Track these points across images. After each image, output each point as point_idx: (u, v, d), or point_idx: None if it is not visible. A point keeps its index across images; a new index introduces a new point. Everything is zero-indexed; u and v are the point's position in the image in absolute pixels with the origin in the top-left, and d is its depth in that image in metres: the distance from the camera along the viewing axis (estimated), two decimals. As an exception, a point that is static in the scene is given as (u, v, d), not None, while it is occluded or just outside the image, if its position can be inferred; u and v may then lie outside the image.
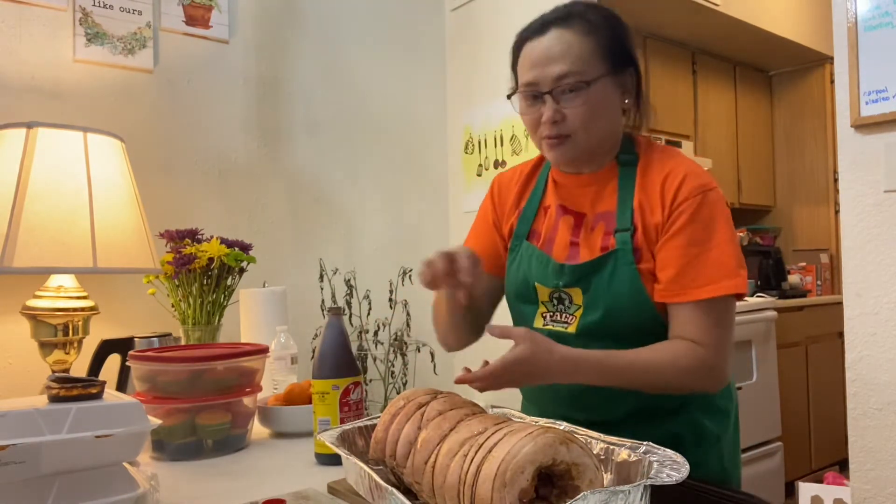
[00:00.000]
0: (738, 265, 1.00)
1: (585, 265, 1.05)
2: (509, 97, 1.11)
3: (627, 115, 1.11)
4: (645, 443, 0.84)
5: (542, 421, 0.90)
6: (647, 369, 0.98)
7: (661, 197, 1.03)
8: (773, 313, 3.15)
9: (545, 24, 1.05)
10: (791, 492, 3.09)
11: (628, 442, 0.86)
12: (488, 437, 0.73)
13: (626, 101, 1.08)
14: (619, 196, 1.07)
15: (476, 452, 0.72)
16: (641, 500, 0.70)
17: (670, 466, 0.75)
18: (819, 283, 3.97)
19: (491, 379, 0.92)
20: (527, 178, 1.22)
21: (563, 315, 1.09)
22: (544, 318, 1.12)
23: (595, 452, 0.87)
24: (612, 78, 1.04)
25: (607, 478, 0.87)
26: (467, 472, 0.71)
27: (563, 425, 0.94)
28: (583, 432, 0.92)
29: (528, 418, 0.93)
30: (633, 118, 1.12)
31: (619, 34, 1.06)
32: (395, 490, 0.71)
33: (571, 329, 1.07)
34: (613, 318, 1.03)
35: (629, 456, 0.84)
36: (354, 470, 0.86)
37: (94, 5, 1.89)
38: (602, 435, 0.91)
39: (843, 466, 3.34)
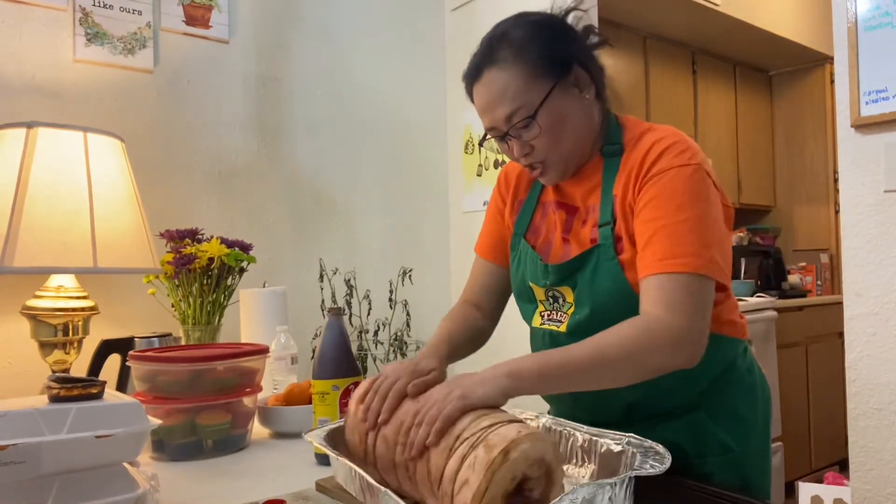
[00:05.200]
0: (703, 244, 0.93)
1: (567, 264, 1.04)
2: (481, 144, 1.12)
3: (598, 102, 1.07)
4: (628, 434, 0.85)
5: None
6: (595, 349, 0.89)
7: (637, 172, 0.99)
8: (773, 313, 3.16)
9: (477, 67, 1.03)
10: (791, 492, 3.09)
11: (611, 433, 0.87)
12: (450, 487, 0.74)
13: (587, 95, 1.03)
14: (602, 190, 1.04)
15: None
16: (626, 492, 0.72)
17: (653, 457, 0.76)
18: (819, 283, 3.97)
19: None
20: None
21: (558, 314, 1.08)
22: (542, 316, 1.11)
23: (580, 444, 0.91)
24: (560, 87, 1.00)
25: (591, 468, 0.89)
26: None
27: (545, 420, 0.98)
28: (566, 423, 0.95)
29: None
30: (601, 104, 1.08)
31: (549, 41, 1.01)
32: (388, 490, 0.72)
33: (562, 328, 1.06)
34: (600, 315, 1.00)
35: (613, 447, 0.86)
36: (344, 470, 0.86)
37: (94, 5, 1.89)
38: (585, 427, 0.93)
39: (843, 466, 3.34)
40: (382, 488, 0.72)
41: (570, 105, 1.02)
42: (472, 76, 1.04)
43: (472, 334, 1.20)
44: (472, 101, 1.07)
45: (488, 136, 1.07)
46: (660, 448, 0.80)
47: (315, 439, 0.94)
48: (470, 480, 0.69)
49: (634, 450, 0.81)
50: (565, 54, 1.02)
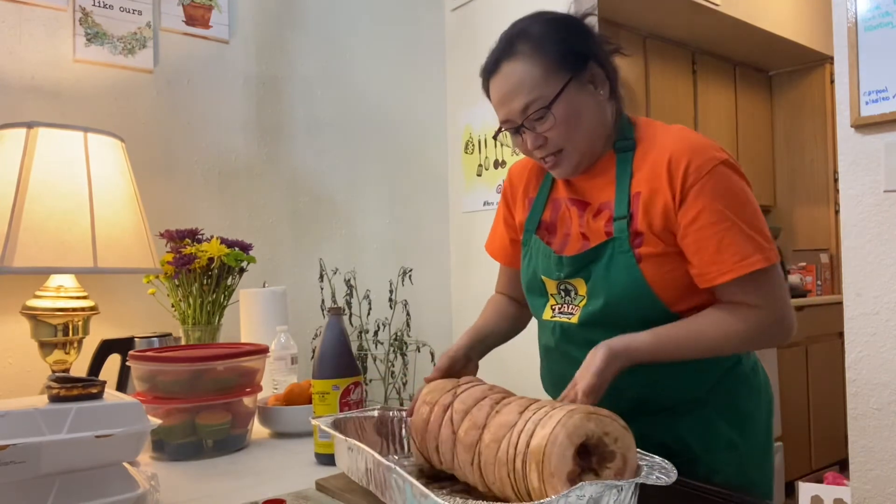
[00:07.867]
0: (766, 236, 0.99)
1: (582, 255, 1.06)
2: (495, 137, 1.14)
3: (612, 101, 1.10)
4: (638, 450, 0.86)
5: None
6: (704, 325, 0.99)
7: (668, 178, 1.00)
8: (773, 313, 3.15)
9: (496, 60, 1.06)
10: (791, 492, 3.10)
11: None
12: (521, 431, 0.77)
13: (601, 92, 1.06)
14: (616, 184, 1.06)
15: (515, 449, 0.76)
16: (632, 498, 0.73)
17: (659, 470, 0.78)
18: (819, 283, 3.97)
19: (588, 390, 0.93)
20: (539, 169, 1.21)
21: (569, 306, 1.10)
22: (553, 309, 1.12)
23: None
24: (576, 81, 1.03)
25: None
26: (514, 468, 0.75)
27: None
28: None
29: (546, 398, 0.93)
30: (615, 104, 1.11)
31: (567, 37, 1.04)
32: (397, 467, 0.72)
33: (574, 320, 1.07)
34: (613, 307, 1.02)
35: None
36: (347, 454, 0.87)
37: (94, 5, 1.89)
38: None
39: (843, 466, 3.34)
40: (392, 465, 0.73)
41: (585, 100, 1.05)
42: (490, 69, 1.06)
43: (501, 319, 1.28)
44: (489, 96, 1.09)
45: (502, 129, 1.09)
46: (666, 464, 0.80)
47: (322, 423, 0.97)
48: (546, 424, 0.74)
49: (642, 463, 0.82)
50: (583, 50, 1.04)
